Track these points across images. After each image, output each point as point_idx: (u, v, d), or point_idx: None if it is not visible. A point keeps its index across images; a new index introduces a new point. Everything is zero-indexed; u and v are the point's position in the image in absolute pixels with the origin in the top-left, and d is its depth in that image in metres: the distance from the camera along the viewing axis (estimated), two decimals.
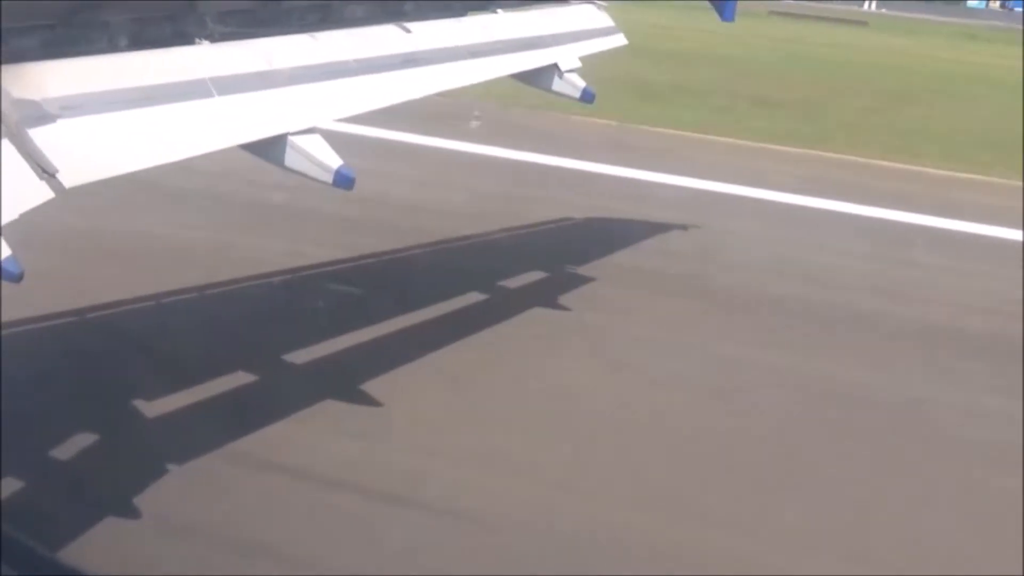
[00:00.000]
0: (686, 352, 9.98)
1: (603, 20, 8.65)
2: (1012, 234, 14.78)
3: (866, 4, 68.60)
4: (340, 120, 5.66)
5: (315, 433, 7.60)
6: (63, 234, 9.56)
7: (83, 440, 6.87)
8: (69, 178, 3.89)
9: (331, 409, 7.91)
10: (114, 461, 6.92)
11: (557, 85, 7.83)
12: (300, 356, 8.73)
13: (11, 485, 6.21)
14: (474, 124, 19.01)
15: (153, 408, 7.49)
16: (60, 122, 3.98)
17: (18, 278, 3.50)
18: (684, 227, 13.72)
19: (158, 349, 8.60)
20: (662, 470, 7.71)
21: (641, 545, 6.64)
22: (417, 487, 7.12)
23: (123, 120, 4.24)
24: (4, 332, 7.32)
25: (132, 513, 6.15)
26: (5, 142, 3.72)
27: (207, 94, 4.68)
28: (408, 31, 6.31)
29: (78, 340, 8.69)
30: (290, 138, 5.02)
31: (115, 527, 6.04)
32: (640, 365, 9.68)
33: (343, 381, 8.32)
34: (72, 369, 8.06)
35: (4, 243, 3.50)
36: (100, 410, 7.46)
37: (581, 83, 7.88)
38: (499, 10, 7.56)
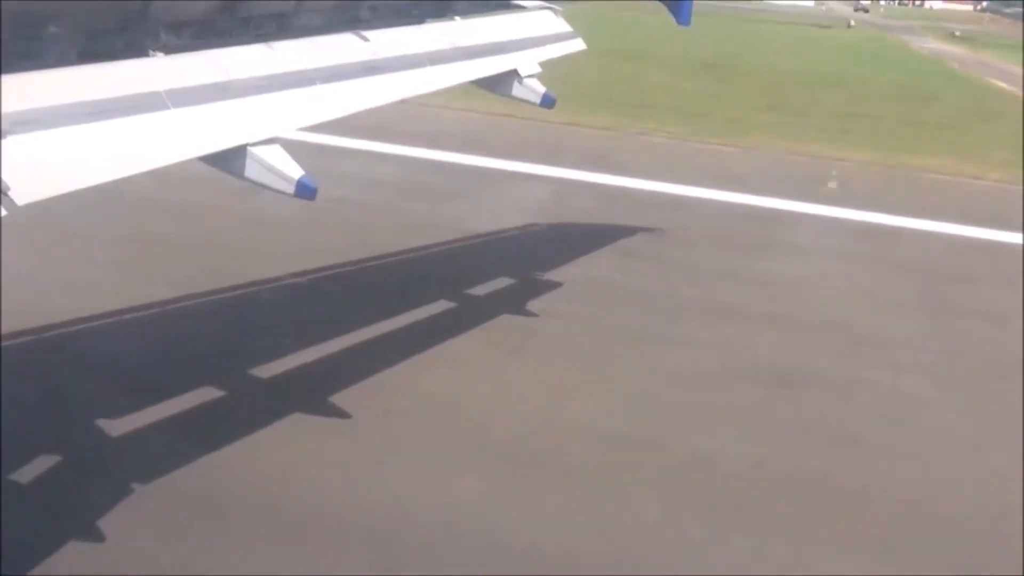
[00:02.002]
0: None
1: (561, 25, 8.67)
2: None
3: None
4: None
5: None
6: None
7: None
8: (21, 195, 3.78)
9: None
10: None
11: (517, 91, 7.83)
12: None
13: None
14: None
15: None
16: (10, 138, 3.87)
17: None
18: None
19: None
20: None
21: None
22: None
23: (75, 135, 4.13)
24: None
25: None
26: None
27: (162, 106, 4.58)
28: (366, 39, 6.25)
29: None
30: (250, 149, 4.94)
31: None
32: None
33: None
34: None
35: None
36: None
37: (541, 88, 7.89)
38: (457, 17, 7.55)
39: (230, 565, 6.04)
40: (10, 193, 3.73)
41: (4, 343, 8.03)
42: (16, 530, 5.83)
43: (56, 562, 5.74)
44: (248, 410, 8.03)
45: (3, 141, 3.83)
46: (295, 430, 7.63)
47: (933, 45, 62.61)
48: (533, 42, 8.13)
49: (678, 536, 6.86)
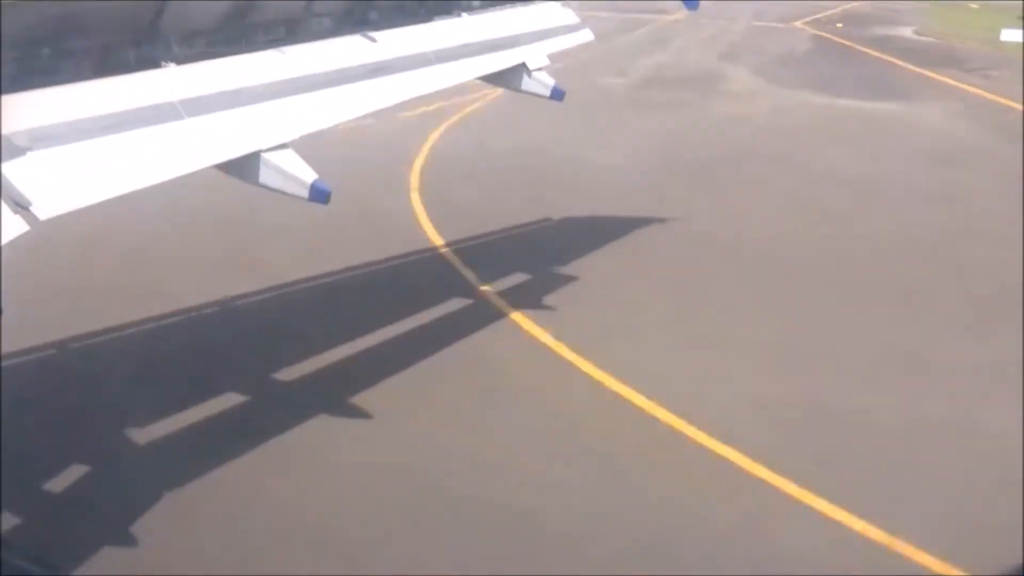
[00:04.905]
0: None
1: (569, 17, 8.68)
2: None
3: None
4: None
5: None
6: None
7: None
8: (43, 210, 3.89)
9: None
10: None
11: (526, 84, 7.84)
12: None
13: None
14: None
15: None
16: (30, 154, 3.98)
17: None
18: None
19: None
20: None
21: None
22: None
23: (92, 149, 4.24)
24: None
25: None
26: None
27: (176, 116, 4.67)
28: (374, 40, 6.32)
29: None
30: (263, 155, 5.02)
31: None
32: None
33: None
34: None
35: None
36: None
37: (551, 81, 7.89)
38: (464, 14, 7.58)
39: None
40: (32, 208, 3.84)
41: None
42: None
43: None
44: None
45: (24, 157, 3.94)
46: None
47: None
48: (541, 35, 8.14)
49: None
